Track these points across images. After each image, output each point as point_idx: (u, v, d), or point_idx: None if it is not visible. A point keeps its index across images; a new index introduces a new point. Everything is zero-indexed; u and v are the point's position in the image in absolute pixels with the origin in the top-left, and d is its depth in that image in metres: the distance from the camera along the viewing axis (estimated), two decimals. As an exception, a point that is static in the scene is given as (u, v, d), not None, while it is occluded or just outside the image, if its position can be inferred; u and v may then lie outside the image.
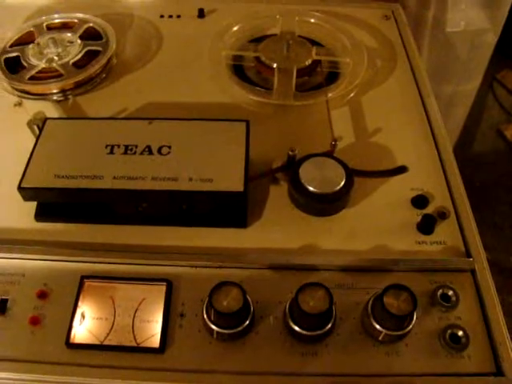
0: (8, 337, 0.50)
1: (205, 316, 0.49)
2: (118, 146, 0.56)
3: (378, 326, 0.48)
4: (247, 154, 0.55)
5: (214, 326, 0.48)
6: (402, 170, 0.61)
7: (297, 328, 0.48)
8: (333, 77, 0.70)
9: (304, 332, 0.48)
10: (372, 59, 0.72)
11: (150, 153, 0.56)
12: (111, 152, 0.56)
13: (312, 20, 0.75)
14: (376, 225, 0.57)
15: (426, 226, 0.56)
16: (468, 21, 0.83)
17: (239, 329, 0.48)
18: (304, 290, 0.48)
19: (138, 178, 0.54)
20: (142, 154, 0.56)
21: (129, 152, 0.56)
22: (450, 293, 0.52)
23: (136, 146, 0.56)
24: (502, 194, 1.42)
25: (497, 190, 1.42)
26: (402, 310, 0.47)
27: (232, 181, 0.53)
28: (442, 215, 0.58)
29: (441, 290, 0.52)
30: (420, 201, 0.58)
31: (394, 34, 0.78)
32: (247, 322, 0.48)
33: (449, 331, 0.50)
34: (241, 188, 0.53)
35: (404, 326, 0.48)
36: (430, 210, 0.58)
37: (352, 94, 0.68)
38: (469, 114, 1.25)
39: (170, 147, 0.56)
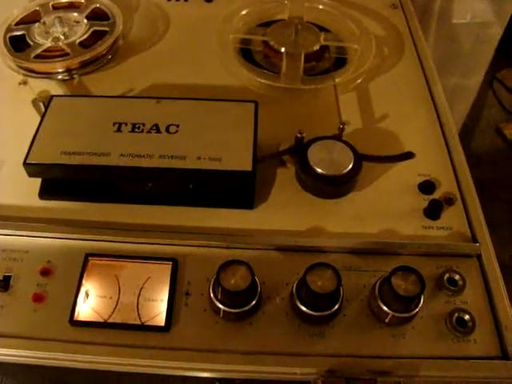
0: (11, 313, 0.49)
1: (211, 295, 0.48)
2: (126, 123, 0.56)
3: (385, 308, 0.48)
4: (255, 134, 0.55)
5: (220, 305, 0.48)
6: (409, 155, 0.61)
7: (304, 308, 0.48)
8: (340, 63, 0.70)
9: (311, 312, 0.48)
10: (379, 46, 0.71)
11: (158, 131, 0.55)
12: (118, 130, 0.55)
13: (320, 6, 0.74)
14: (383, 209, 0.57)
15: (433, 211, 0.56)
16: (474, 13, 0.83)
17: (246, 308, 0.48)
18: (312, 270, 0.47)
19: (146, 155, 0.53)
20: (149, 132, 0.55)
21: (136, 130, 0.55)
22: (457, 277, 0.52)
23: (143, 124, 0.56)
24: (501, 192, 1.43)
25: (496, 188, 1.43)
26: (410, 292, 0.47)
27: (240, 160, 0.53)
28: (449, 201, 0.58)
29: (447, 274, 0.52)
30: (427, 186, 0.58)
31: (401, 22, 0.78)
32: (254, 302, 0.48)
33: (455, 315, 0.49)
34: (249, 167, 0.52)
35: (411, 308, 0.48)
36: (436, 195, 0.58)
37: (359, 80, 0.68)
38: (469, 112, 1.25)
39: (177, 126, 0.55)
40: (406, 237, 0.55)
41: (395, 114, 0.65)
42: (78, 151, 0.54)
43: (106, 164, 0.53)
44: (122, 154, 0.53)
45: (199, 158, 0.53)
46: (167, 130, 0.55)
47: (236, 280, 0.47)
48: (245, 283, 0.46)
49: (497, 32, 0.88)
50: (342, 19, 0.72)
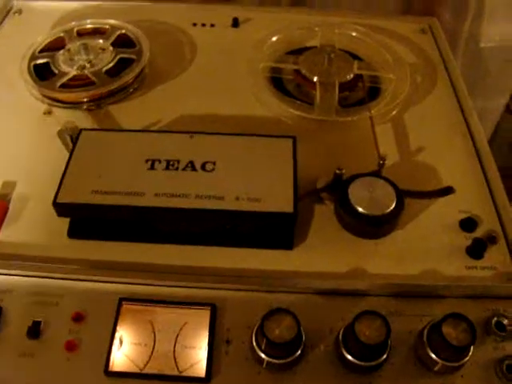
0: (43, 363, 0.47)
1: (254, 344, 0.46)
2: (159, 160, 0.54)
3: (434, 356, 0.46)
4: (295, 172, 0.53)
5: (263, 355, 0.46)
6: (449, 190, 0.59)
7: (351, 358, 0.46)
8: (373, 92, 0.68)
9: (358, 362, 0.46)
10: (412, 74, 0.70)
11: (193, 169, 0.53)
12: (152, 167, 0.53)
13: (352, 33, 0.72)
14: (424, 248, 0.55)
15: (477, 250, 0.54)
16: (503, 35, 0.81)
17: (290, 359, 0.46)
18: (361, 319, 0.45)
19: (182, 195, 0.51)
20: (184, 169, 0.53)
21: (170, 167, 0.53)
22: (505, 321, 0.50)
23: (178, 162, 0.54)
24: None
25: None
26: (462, 341, 0.45)
27: (281, 201, 0.51)
28: (492, 239, 0.56)
29: (495, 318, 0.50)
30: (468, 224, 0.56)
31: (431, 48, 0.76)
32: (299, 352, 0.46)
33: (506, 362, 0.47)
34: (290, 209, 0.50)
35: (462, 357, 0.46)
36: (478, 233, 0.56)
37: (395, 111, 0.66)
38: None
39: (214, 163, 0.53)
40: (449, 278, 0.53)
41: (431, 146, 0.64)
42: (110, 190, 0.51)
43: (140, 205, 0.50)
44: (156, 194, 0.51)
45: (238, 199, 0.51)
46: (203, 167, 0.53)
47: (281, 330, 0.44)
48: (290, 334, 0.44)
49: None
50: (374, 46, 0.71)
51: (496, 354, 0.48)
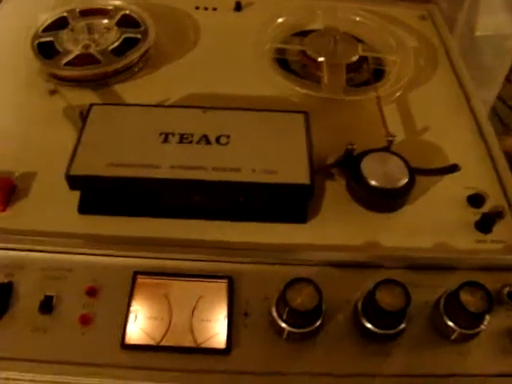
0: (57, 338, 0.46)
1: (275, 314, 0.46)
2: (173, 134, 0.53)
3: (451, 324, 0.47)
4: (310, 145, 0.53)
5: (285, 325, 0.46)
6: (455, 168, 0.60)
7: (371, 326, 0.46)
8: (377, 74, 0.69)
9: (379, 330, 0.46)
10: (415, 58, 0.71)
11: (208, 142, 0.53)
12: (165, 140, 0.53)
13: (355, 18, 0.73)
14: (435, 222, 0.55)
15: (486, 224, 0.55)
16: (497, 25, 0.83)
17: (311, 328, 0.46)
18: (381, 287, 0.45)
19: (198, 167, 0.51)
20: (198, 143, 0.53)
21: (184, 141, 0.53)
22: (517, 292, 0.51)
23: (192, 135, 0.53)
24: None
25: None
26: (479, 308, 0.46)
27: (297, 173, 0.51)
28: (499, 214, 0.57)
29: (507, 289, 0.51)
30: (476, 199, 0.57)
31: (431, 34, 0.77)
32: (319, 321, 0.46)
33: (519, 330, 0.48)
34: (307, 180, 0.50)
35: (479, 324, 0.47)
36: (486, 208, 0.57)
37: (399, 93, 0.67)
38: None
39: (228, 137, 0.53)
40: (461, 251, 0.53)
41: (436, 125, 0.64)
42: (125, 163, 0.51)
43: (156, 176, 0.50)
44: (172, 166, 0.51)
45: (254, 171, 0.51)
46: (217, 141, 0.53)
47: (302, 299, 0.44)
48: (312, 302, 0.44)
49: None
50: (377, 30, 0.72)
51: (509, 322, 0.49)
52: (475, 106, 0.67)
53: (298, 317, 0.45)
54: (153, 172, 0.50)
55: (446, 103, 0.68)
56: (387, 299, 0.45)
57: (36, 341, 0.46)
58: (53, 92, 0.62)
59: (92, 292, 0.48)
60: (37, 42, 0.66)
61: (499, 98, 1.59)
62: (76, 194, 0.53)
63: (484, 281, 0.50)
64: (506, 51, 0.89)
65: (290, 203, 0.54)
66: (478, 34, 0.85)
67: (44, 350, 0.46)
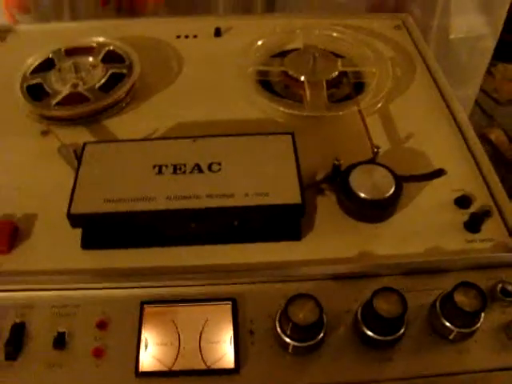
0: (72, 372, 0.48)
1: (279, 330, 0.48)
2: (166, 165, 0.55)
3: (449, 325, 0.48)
4: (298, 165, 0.55)
5: (289, 340, 0.47)
6: (440, 172, 0.62)
7: (371, 334, 0.48)
8: (358, 87, 0.71)
9: (379, 337, 0.48)
10: (393, 68, 0.73)
11: (200, 171, 0.55)
12: (159, 172, 0.55)
13: (331, 33, 0.76)
14: (425, 227, 0.57)
15: (474, 224, 0.57)
16: (470, 27, 0.86)
17: (314, 341, 0.48)
18: (378, 295, 0.47)
19: (193, 196, 0.53)
20: (191, 172, 0.55)
21: (178, 171, 0.55)
22: (510, 287, 0.53)
23: (185, 165, 0.55)
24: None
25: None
26: (474, 307, 0.47)
27: (288, 193, 0.53)
28: (487, 213, 0.59)
29: (500, 285, 0.53)
30: (463, 201, 0.59)
31: (407, 43, 0.80)
32: (322, 334, 0.48)
33: (513, 325, 0.50)
34: (298, 200, 0.53)
35: (475, 322, 0.49)
36: (473, 209, 0.59)
37: (380, 104, 0.69)
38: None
39: (219, 164, 0.55)
40: (452, 252, 0.55)
41: (419, 132, 0.67)
42: (123, 198, 0.53)
43: (153, 209, 0.52)
44: (168, 197, 0.53)
45: (247, 195, 0.53)
46: (209, 168, 0.55)
47: (304, 314, 0.46)
48: (314, 316, 0.46)
49: (491, 43, 0.91)
50: (354, 44, 0.74)
51: (504, 318, 0.51)
52: (454, 109, 0.69)
53: (301, 331, 0.47)
54: (149, 204, 0.52)
55: (426, 109, 0.70)
56: (385, 306, 0.47)
57: (53, 376, 0.47)
58: (45, 133, 0.64)
59: (102, 325, 0.50)
60: (26, 85, 0.68)
61: (482, 90, 1.62)
62: (78, 231, 0.55)
63: (477, 279, 0.52)
64: (481, 50, 0.92)
65: (283, 222, 0.56)
66: (452, 36, 0.87)
67: (61, 385, 0.47)
